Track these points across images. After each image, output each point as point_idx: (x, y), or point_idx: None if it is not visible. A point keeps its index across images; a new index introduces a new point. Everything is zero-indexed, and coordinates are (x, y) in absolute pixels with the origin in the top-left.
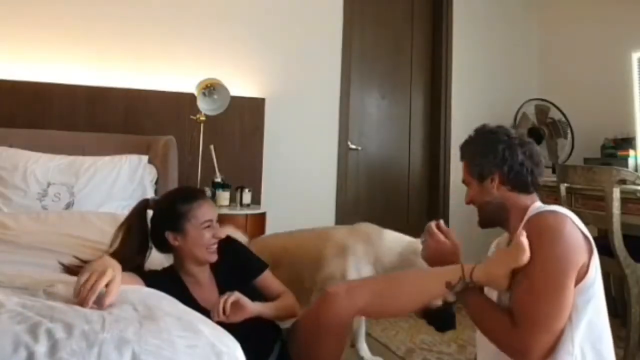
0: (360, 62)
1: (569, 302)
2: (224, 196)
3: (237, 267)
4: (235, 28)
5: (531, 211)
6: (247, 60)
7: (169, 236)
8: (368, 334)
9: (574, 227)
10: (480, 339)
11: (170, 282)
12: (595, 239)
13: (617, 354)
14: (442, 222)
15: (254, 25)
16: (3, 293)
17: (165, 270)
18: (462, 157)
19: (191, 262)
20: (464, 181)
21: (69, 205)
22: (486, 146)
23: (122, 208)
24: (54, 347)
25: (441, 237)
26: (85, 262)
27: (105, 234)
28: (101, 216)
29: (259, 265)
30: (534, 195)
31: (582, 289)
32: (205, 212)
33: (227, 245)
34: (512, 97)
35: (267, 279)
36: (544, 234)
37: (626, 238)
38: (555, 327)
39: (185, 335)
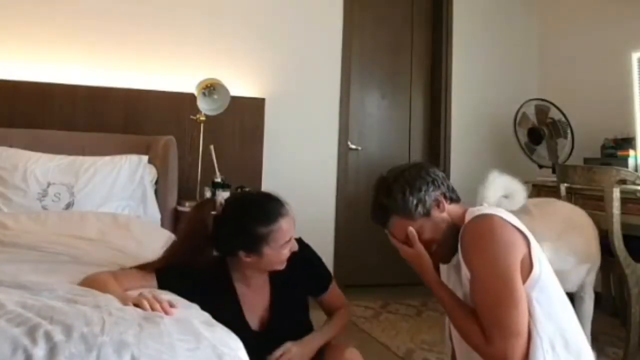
0: (360, 62)
1: (524, 298)
2: (224, 196)
3: (302, 278)
4: (236, 28)
5: (467, 217)
6: (247, 60)
7: (242, 254)
8: (368, 334)
9: (504, 224)
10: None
11: (224, 293)
12: None
13: (617, 354)
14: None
15: (254, 25)
16: (4, 292)
17: (212, 263)
18: (392, 214)
19: (255, 271)
20: (405, 242)
21: (69, 206)
22: (413, 183)
23: (122, 208)
24: (52, 350)
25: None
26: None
27: (105, 234)
28: (101, 216)
29: (327, 279)
30: (457, 200)
31: (531, 283)
32: (286, 231)
33: (297, 252)
34: (512, 97)
35: (331, 293)
36: (476, 242)
37: (626, 238)
38: (523, 327)
39: (185, 339)
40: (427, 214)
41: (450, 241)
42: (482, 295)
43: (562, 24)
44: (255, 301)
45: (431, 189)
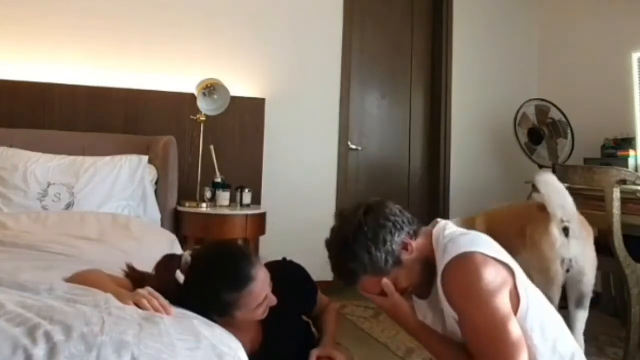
0: (360, 62)
1: (522, 339)
2: (224, 196)
3: (291, 301)
4: (236, 28)
5: (438, 243)
6: (247, 60)
7: (214, 317)
8: (368, 334)
9: (486, 263)
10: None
11: None
12: (595, 239)
13: (617, 354)
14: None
15: (254, 25)
16: (4, 292)
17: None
18: (362, 275)
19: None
20: (380, 293)
21: (69, 206)
22: (376, 237)
23: (122, 208)
24: (52, 350)
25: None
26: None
27: (105, 234)
28: (101, 216)
29: (314, 292)
30: (420, 232)
31: (521, 315)
32: (258, 294)
33: (278, 272)
34: (512, 97)
35: (319, 302)
36: (461, 289)
37: (626, 238)
38: (521, 357)
39: (185, 338)
40: (397, 262)
41: (425, 278)
42: (479, 343)
43: (562, 24)
44: (244, 330)
45: (396, 235)
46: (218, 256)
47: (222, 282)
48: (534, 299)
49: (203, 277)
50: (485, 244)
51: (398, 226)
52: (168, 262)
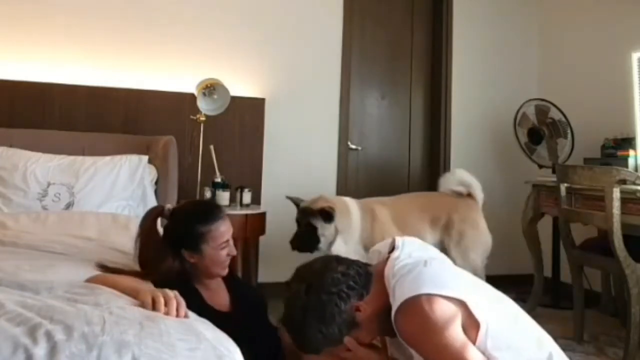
0: (360, 62)
1: (479, 356)
2: (224, 196)
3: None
4: (236, 28)
5: (390, 286)
6: (247, 60)
7: (185, 253)
8: None
9: (433, 304)
10: None
11: (185, 290)
12: (595, 239)
13: (617, 354)
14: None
15: (254, 25)
16: (4, 292)
17: (178, 279)
18: (321, 348)
19: (204, 276)
20: (347, 349)
21: (69, 206)
22: (322, 316)
23: (122, 208)
24: (53, 350)
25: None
26: (111, 269)
27: (105, 234)
28: (101, 216)
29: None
30: (371, 283)
31: (482, 339)
32: (223, 232)
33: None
34: (512, 97)
35: None
36: (415, 338)
37: (626, 238)
38: None
39: (186, 339)
40: (353, 326)
41: (388, 325)
42: None
43: (562, 24)
44: (215, 295)
45: (342, 305)
46: (195, 202)
47: (196, 216)
48: (495, 316)
49: (181, 214)
50: (431, 280)
51: (344, 295)
52: (152, 209)
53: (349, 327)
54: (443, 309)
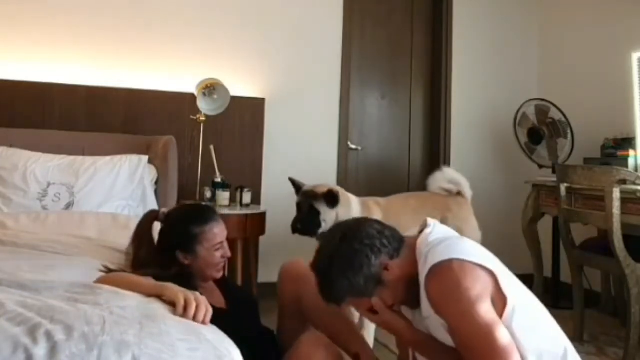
0: (360, 62)
1: (511, 343)
2: (224, 196)
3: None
4: (236, 28)
5: (421, 254)
6: (247, 60)
7: (179, 255)
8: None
9: (464, 269)
10: None
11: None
12: (595, 239)
13: (617, 354)
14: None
15: (254, 25)
16: (4, 292)
17: (174, 282)
18: (346, 299)
19: (198, 278)
20: (370, 310)
21: (69, 205)
22: (352, 264)
23: (122, 208)
24: (53, 350)
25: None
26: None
27: (105, 234)
28: (101, 216)
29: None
30: (403, 248)
31: (508, 316)
32: (217, 234)
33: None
34: (512, 97)
35: None
36: (444, 301)
37: (626, 238)
38: (513, 356)
39: (186, 339)
40: (379, 283)
41: (411, 294)
42: (468, 351)
43: (562, 24)
44: (210, 295)
45: (373, 258)
46: (189, 205)
47: (190, 217)
48: (520, 298)
49: (176, 216)
50: (463, 250)
51: (376, 249)
52: (149, 214)
53: (375, 282)
54: (474, 275)
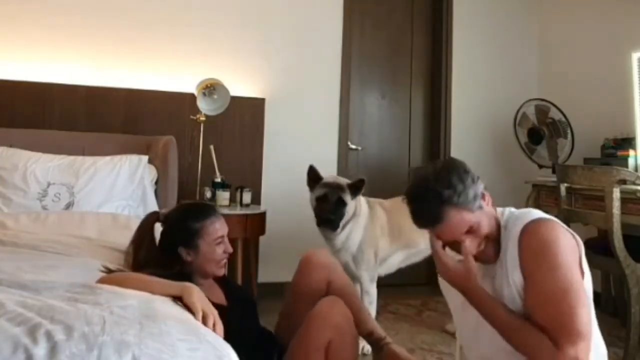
0: (360, 62)
1: (589, 301)
2: (224, 196)
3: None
4: (236, 28)
5: (506, 216)
6: (247, 60)
7: (182, 251)
8: None
9: (565, 231)
10: (469, 336)
11: None
12: (595, 239)
13: (617, 354)
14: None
15: (254, 25)
16: (4, 292)
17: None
18: (450, 207)
19: (199, 275)
20: (469, 231)
21: (69, 206)
22: (468, 173)
23: (122, 208)
24: (53, 350)
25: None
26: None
27: (105, 234)
28: (101, 216)
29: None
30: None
31: (586, 287)
32: (217, 228)
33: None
34: (512, 97)
35: None
36: (543, 249)
37: (626, 238)
38: (589, 330)
39: (186, 339)
40: (481, 207)
41: (496, 238)
42: (547, 313)
43: (562, 24)
44: (210, 292)
45: (478, 182)
46: (188, 203)
47: (190, 213)
48: (588, 281)
49: (175, 213)
50: (552, 218)
51: (477, 178)
52: (149, 215)
53: (479, 202)
54: (569, 239)
